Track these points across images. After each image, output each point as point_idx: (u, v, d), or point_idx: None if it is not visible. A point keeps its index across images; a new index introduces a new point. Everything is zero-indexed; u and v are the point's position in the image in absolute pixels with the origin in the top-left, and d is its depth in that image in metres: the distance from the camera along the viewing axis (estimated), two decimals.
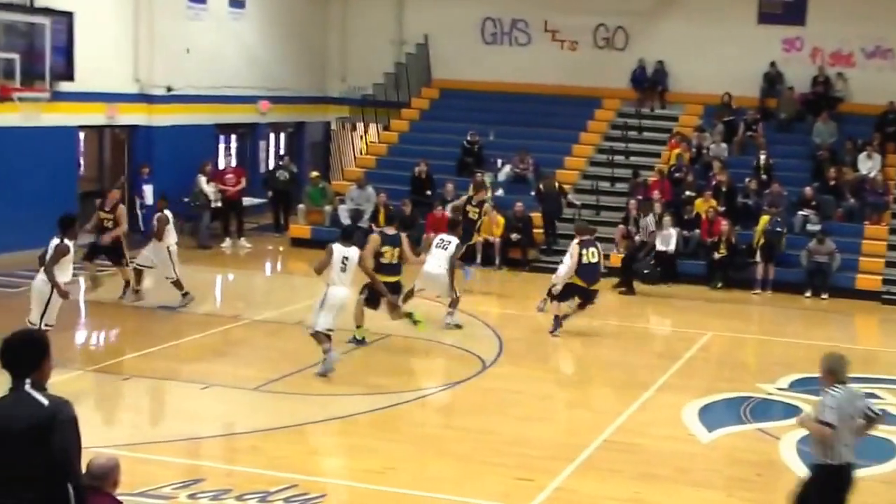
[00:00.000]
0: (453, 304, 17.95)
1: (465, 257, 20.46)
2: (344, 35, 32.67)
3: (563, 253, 19.20)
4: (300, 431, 12.43)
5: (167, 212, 18.95)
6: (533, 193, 25.83)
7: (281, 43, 30.86)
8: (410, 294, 17.51)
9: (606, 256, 23.05)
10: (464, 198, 22.69)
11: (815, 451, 8.76)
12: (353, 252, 14.81)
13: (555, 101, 29.97)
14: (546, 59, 30.70)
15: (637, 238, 23.59)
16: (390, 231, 16.88)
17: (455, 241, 18.06)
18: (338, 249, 14.68)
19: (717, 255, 23.48)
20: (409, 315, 16.66)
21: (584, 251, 17.62)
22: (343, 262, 14.64)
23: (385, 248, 16.36)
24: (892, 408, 14.27)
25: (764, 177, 25.52)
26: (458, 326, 17.90)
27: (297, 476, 10.66)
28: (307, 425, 12.60)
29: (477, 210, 22.08)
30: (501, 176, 27.26)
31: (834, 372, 8.72)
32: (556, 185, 25.70)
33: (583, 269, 17.53)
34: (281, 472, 10.80)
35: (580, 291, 17.74)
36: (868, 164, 25.99)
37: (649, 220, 23.51)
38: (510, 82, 30.48)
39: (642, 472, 11.41)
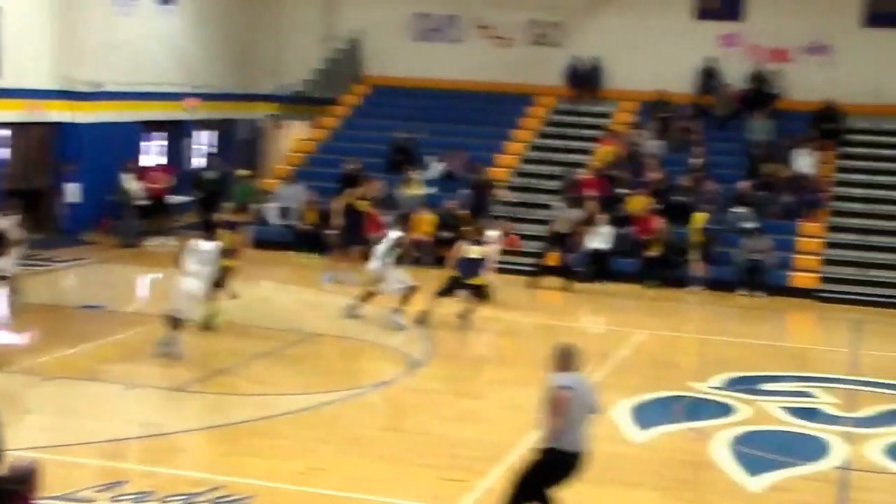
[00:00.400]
0: (402, 301, 17.80)
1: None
2: (274, 31, 32.15)
3: None
4: (226, 432, 12.14)
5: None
6: (464, 191, 25.62)
7: (210, 39, 30.30)
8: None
9: (539, 255, 22.98)
10: (353, 192, 22.99)
11: (546, 436, 8.71)
12: (211, 246, 15.14)
13: (488, 98, 29.67)
14: (479, 55, 30.39)
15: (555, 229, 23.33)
16: None
17: (396, 235, 18.01)
18: (199, 244, 15.00)
19: (651, 253, 23.33)
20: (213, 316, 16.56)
21: (465, 247, 18.35)
22: (200, 255, 14.87)
23: None
24: (825, 406, 14.18)
25: (699, 174, 25.40)
26: (401, 327, 17.62)
27: (223, 478, 10.38)
28: (233, 426, 12.29)
29: (366, 203, 22.34)
30: (432, 173, 26.97)
31: (563, 360, 8.88)
32: (486, 181, 25.50)
33: (461, 264, 18.15)
34: (206, 473, 10.57)
35: (459, 284, 18.22)
36: (804, 161, 25.94)
37: (574, 213, 23.34)
38: (443, 79, 30.14)
39: None
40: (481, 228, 19.96)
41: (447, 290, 18.24)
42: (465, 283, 18.24)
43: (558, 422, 8.56)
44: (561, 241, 23.15)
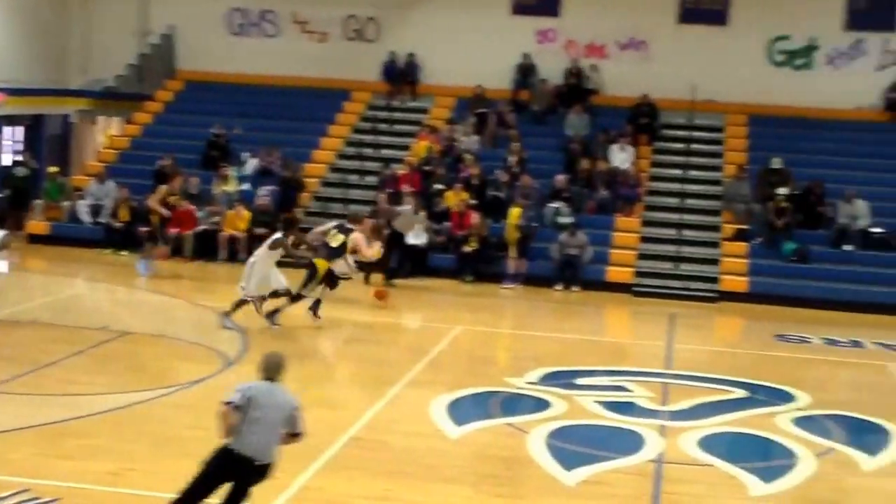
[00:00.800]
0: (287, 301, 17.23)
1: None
2: (85, 25, 31.02)
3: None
4: (33, 433, 11.45)
5: None
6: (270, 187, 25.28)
7: (18, 32, 29.09)
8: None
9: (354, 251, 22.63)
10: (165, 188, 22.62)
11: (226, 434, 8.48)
12: None
13: (303, 93, 29.12)
14: (295, 50, 29.82)
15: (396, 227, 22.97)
16: None
17: (276, 235, 17.42)
18: None
19: (467, 249, 23.18)
20: None
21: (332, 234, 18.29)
22: None
23: None
24: (640, 400, 14.16)
25: (516, 169, 25.37)
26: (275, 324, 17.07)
27: (29, 480, 9.78)
28: (42, 427, 11.61)
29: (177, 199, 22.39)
30: (247, 169, 26.36)
31: (263, 370, 8.66)
32: (295, 178, 25.24)
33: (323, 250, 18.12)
34: (12, 476, 9.90)
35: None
36: (621, 157, 26.18)
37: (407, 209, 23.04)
38: (258, 74, 29.50)
39: (391, 470, 10.89)
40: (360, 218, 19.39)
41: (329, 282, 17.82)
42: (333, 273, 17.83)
43: (230, 422, 8.36)
44: (399, 239, 22.78)
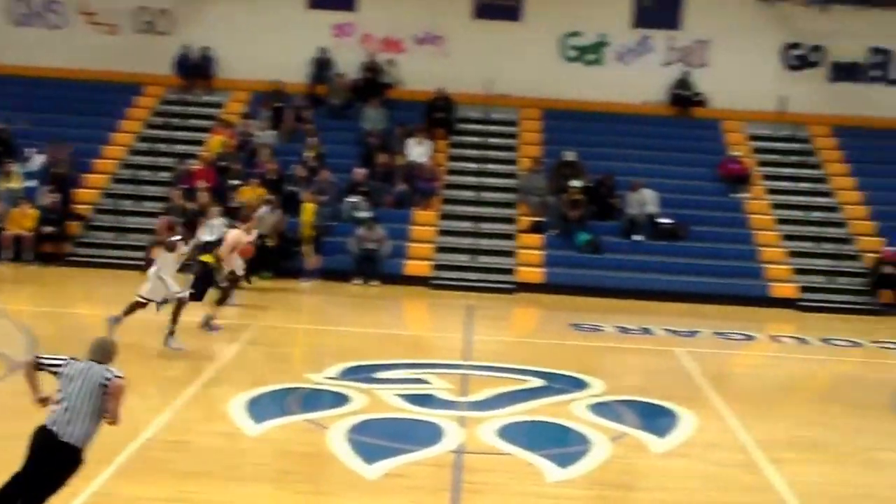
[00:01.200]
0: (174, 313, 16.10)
1: None
2: None
3: (102, 246, 18.26)
4: None
5: None
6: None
7: None
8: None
9: (145, 248, 22.03)
10: None
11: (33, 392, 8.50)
12: None
13: (92, 87, 28.23)
14: (82, 42, 28.83)
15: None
16: None
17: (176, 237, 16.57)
18: None
19: (265, 244, 22.83)
20: None
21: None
22: None
23: None
24: (439, 392, 14.20)
25: (314, 164, 25.18)
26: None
27: None
28: None
29: None
30: (33, 165, 25.36)
31: (91, 351, 8.54)
32: (67, 174, 24.64)
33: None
34: None
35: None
36: (418, 151, 26.29)
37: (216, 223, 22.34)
38: (43, 67, 28.37)
39: (188, 471, 10.61)
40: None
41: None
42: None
43: (32, 381, 8.43)
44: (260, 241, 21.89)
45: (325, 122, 27.44)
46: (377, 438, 11.92)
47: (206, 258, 17.40)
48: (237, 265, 18.13)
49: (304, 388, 14.15)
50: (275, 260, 22.92)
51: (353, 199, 24.35)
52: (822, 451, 12.51)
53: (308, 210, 23.36)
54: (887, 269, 23.95)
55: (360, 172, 24.93)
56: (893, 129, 28.42)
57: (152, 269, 15.96)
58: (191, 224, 19.59)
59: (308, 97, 27.99)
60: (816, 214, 26.28)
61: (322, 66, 28.48)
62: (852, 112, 28.76)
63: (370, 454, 11.18)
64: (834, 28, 28.71)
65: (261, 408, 12.91)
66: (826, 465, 11.98)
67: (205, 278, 17.34)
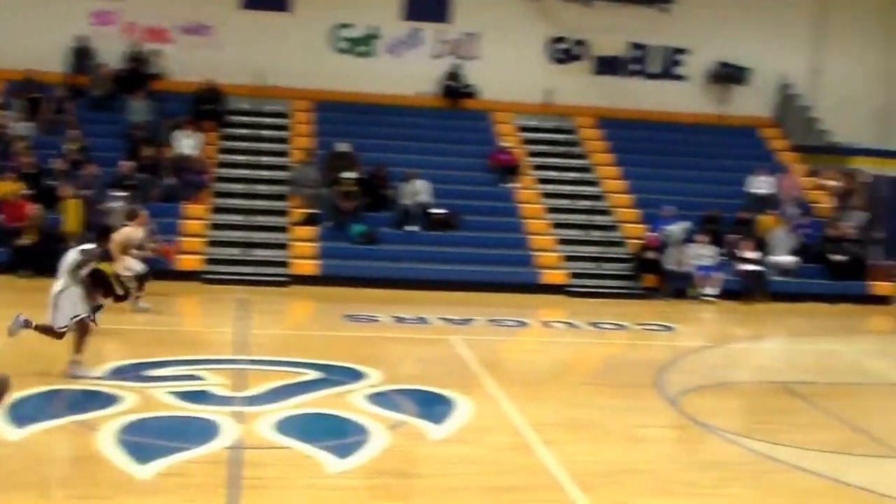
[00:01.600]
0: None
1: None
2: None
3: None
4: None
5: None
6: None
7: None
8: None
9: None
10: None
11: None
12: None
13: None
14: None
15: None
16: None
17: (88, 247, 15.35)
18: None
19: (24, 242, 21.97)
20: None
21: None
22: None
23: None
24: (214, 388, 13.94)
25: (76, 157, 24.30)
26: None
27: None
28: None
29: None
30: None
31: None
32: None
33: None
34: None
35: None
36: (187, 143, 25.74)
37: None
38: None
39: None
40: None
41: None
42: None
43: None
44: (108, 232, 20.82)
45: (87, 114, 26.54)
46: (150, 437, 11.60)
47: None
48: (131, 263, 17.97)
49: (70, 389, 13.63)
50: (34, 258, 21.97)
51: (117, 192, 23.59)
52: (590, 430, 12.85)
53: (71, 206, 22.53)
54: (650, 255, 24.84)
55: (126, 165, 24.21)
56: (653, 121, 29.53)
57: None
58: None
59: (67, 87, 26.93)
60: (583, 203, 27.02)
61: (82, 56, 27.47)
62: (614, 104, 29.71)
63: (143, 454, 10.85)
64: (596, 23, 29.60)
65: (22, 411, 12.27)
66: (594, 444, 12.29)
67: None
